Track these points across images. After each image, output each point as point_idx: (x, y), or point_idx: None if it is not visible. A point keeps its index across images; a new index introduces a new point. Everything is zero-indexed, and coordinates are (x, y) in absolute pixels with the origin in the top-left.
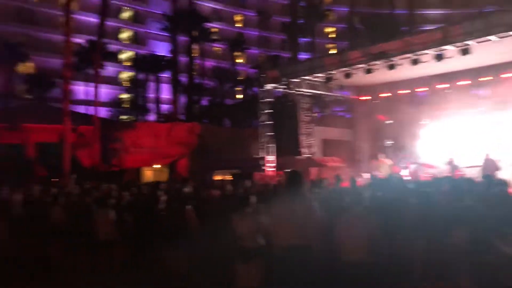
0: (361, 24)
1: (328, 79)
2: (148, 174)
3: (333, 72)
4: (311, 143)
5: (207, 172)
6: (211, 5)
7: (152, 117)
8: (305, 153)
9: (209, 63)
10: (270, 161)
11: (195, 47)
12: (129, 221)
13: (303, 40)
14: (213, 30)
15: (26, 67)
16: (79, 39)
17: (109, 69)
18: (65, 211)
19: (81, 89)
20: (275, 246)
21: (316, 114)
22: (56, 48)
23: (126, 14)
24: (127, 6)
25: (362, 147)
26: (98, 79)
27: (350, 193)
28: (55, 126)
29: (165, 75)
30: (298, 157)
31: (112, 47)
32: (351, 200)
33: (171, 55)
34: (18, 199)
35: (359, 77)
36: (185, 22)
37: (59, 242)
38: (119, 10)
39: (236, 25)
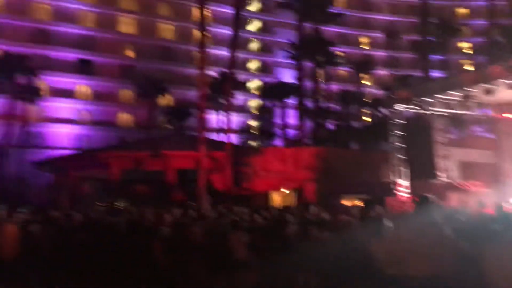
0: (502, 36)
1: (466, 97)
2: (276, 198)
3: (471, 89)
4: (448, 166)
5: (334, 196)
6: (336, 29)
7: (279, 142)
8: (442, 177)
9: (335, 87)
10: (403, 186)
11: (321, 71)
12: (261, 244)
13: (434, 57)
14: (338, 54)
15: (166, 100)
16: (212, 72)
17: (238, 97)
18: (203, 233)
19: (214, 118)
20: (410, 275)
21: (452, 135)
22: (191, 81)
23: (253, 46)
24: (254, 38)
25: (508, 169)
26: (229, 108)
27: (497, 220)
28: (192, 153)
29: (292, 101)
30: (435, 181)
31: (241, 77)
32: (500, 227)
33: (297, 82)
34: (167, 220)
35: (502, 93)
36: (310, 48)
37: (200, 260)
38: (247, 42)
39: (362, 47)
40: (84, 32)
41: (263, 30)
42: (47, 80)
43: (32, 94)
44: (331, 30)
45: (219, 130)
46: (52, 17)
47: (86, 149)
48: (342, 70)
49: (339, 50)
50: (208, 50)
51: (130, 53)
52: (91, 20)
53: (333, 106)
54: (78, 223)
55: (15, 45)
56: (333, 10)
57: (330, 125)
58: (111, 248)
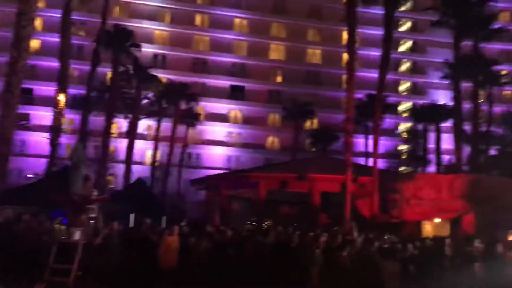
0: None
1: None
2: (427, 228)
3: None
4: None
5: (498, 230)
6: (500, 46)
7: (432, 168)
8: None
9: (499, 109)
10: None
11: (481, 92)
12: (413, 274)
13: None
14: (503, 72)
15: (311, 123)
16: (359, 94)
17: (387, 121)
18: (350, 259)
19: (360, 142)
20: None
21: None
22: (337, 104)
23: (404, 66)
24: (406, 58)
25: None
26: (377, 131)
27: None
28: (338, 176)
29: (446, 124)
30: None
31: (391, 99)
32: None
33: (453, 103)
34: (319, 243)
35: None
36: (468, 67)
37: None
38: (398, 63)
39: None
40: (237, 60)
41: (415, 50)
42: (204, 106)
43: (191, 118)
44: (494, 47)
45: (366, 154)
46: (210, 48)
47: (235, 169)
48: (508, 91)
49: (504, 69)
50: (356, 72)
51: (278, 79)
52: (243, 49)
53: (496, 130)
54: (230, 239)
55: (178, 74)
56: (496, 25)
57: (492, 150)
58: (261, 265)
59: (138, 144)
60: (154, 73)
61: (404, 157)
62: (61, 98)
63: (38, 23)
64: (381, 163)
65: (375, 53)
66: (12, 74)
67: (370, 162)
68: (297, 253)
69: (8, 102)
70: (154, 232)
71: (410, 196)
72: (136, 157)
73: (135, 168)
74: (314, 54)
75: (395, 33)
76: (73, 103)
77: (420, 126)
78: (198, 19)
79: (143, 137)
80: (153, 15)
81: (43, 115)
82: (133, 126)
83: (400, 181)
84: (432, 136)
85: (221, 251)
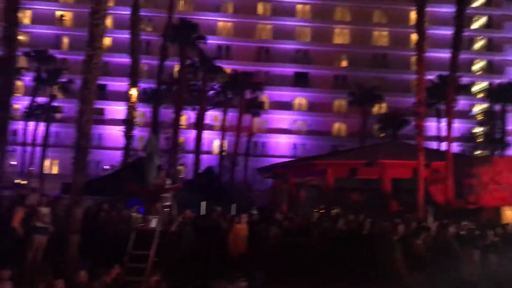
0: None
1: None
2: (508, 214)
3: None
4: None
5: None
6: None
7: (511, 151)
8: None
9: None
10: None
11: None
12: (494, 262)
13: None
14: None
15: (379, 108)
16: (429, 76)
17: (460, 102)
18: (425, 246)
19: (431, 125)
20: None
21: None
22: (405, 87)
23: (479, 44)
24: (480, 36)
25: None
26: (450, 114)
27: None
28: (408, 162)
29: None
30: None
31: (464, 79)
32: None
33: None
34: (401, 228)
35: None
36: None
37: (421, 274)
38: (471, 41)
39: None
40: (300, 47)
41: (490, 26)
42: (268, 94)
43: (256, 107)
44: None
45: (439, 139)
46: (273, 36)
47: (301, 157)
48: None
49: None
50: (425, 53)
51: (343, 63)
52: (306, 35)
53: None
54: (298, 226)
55: (242, 64)
56: None
57: None
58: (331, 252)
59: (206, 134)
60: (219, 64)
61: (479, 140)
62: (133, 92)
63: (108, 21)
64: (455, 147)
65: (445, 31)
66: (88, 71)
67: (443, 146)
68: (371, 240)
69: (86, 98)
70: (225, 219)
71: (488, 181)
72: (204, 147)
73: (203, 157)
74: (381, 36)
75: (467, 9)
76: (144, 96)
77: (497, 107)
78: (260, 7)
79: (210, 127)
80: (217, 7)
81: (117, 110)
82: (200, 117)
83: (476, 165)
84: (510, 117)
85: (289, 238)
